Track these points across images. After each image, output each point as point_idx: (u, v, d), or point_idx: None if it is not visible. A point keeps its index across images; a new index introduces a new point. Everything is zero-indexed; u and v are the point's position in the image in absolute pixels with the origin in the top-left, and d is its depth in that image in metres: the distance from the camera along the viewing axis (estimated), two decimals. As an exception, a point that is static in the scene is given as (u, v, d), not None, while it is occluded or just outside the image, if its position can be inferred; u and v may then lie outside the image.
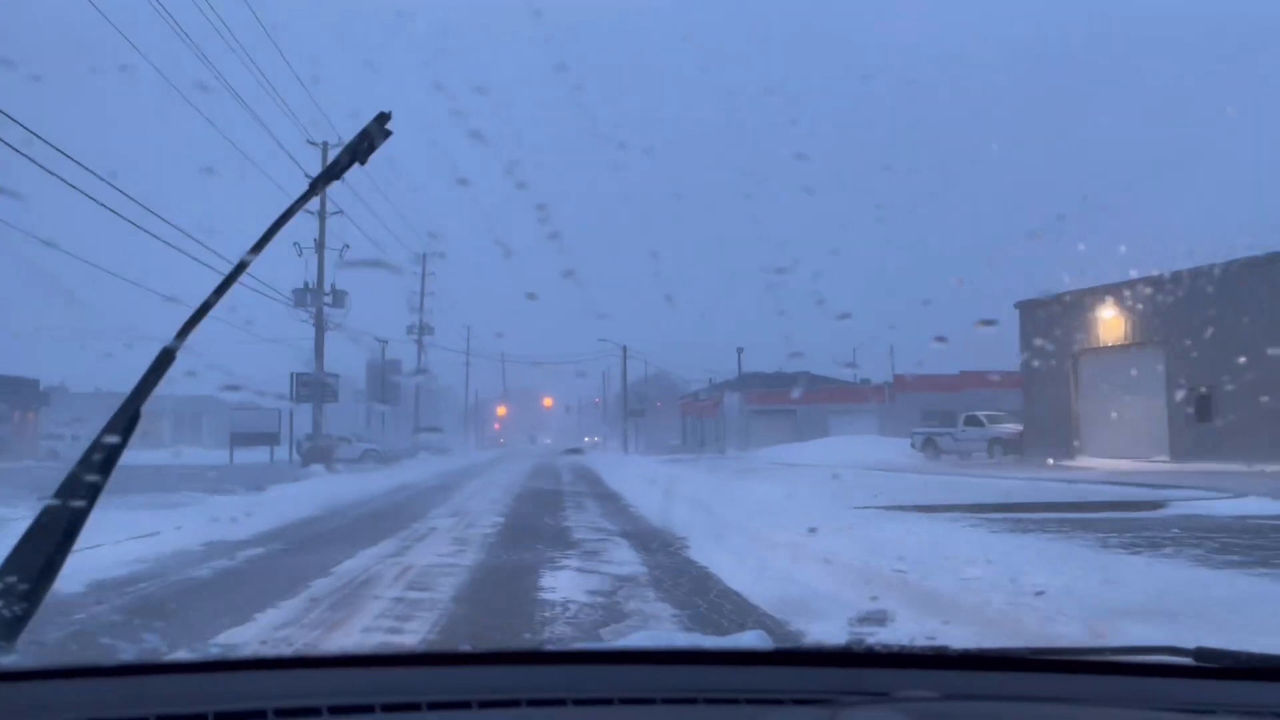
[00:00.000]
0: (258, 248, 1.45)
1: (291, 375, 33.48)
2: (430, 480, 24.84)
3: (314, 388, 34.16)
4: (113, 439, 1.39)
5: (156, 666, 1.49)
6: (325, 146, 32.32)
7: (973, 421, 33.80)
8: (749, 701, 1.39)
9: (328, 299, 39.60)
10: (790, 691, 1.41)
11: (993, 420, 33.71)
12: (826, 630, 5.20)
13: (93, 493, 1.38)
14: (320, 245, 37.05)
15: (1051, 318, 30.71)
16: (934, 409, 48.17)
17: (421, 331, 51.49)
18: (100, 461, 1.37)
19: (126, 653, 2.38)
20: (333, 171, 1.45)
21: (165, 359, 1.43)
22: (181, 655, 1.56)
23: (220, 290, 1.45)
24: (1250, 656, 1.48)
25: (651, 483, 18.84)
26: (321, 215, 37.10)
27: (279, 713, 1.27)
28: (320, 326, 37.69)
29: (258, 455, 37.34)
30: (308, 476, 24.30)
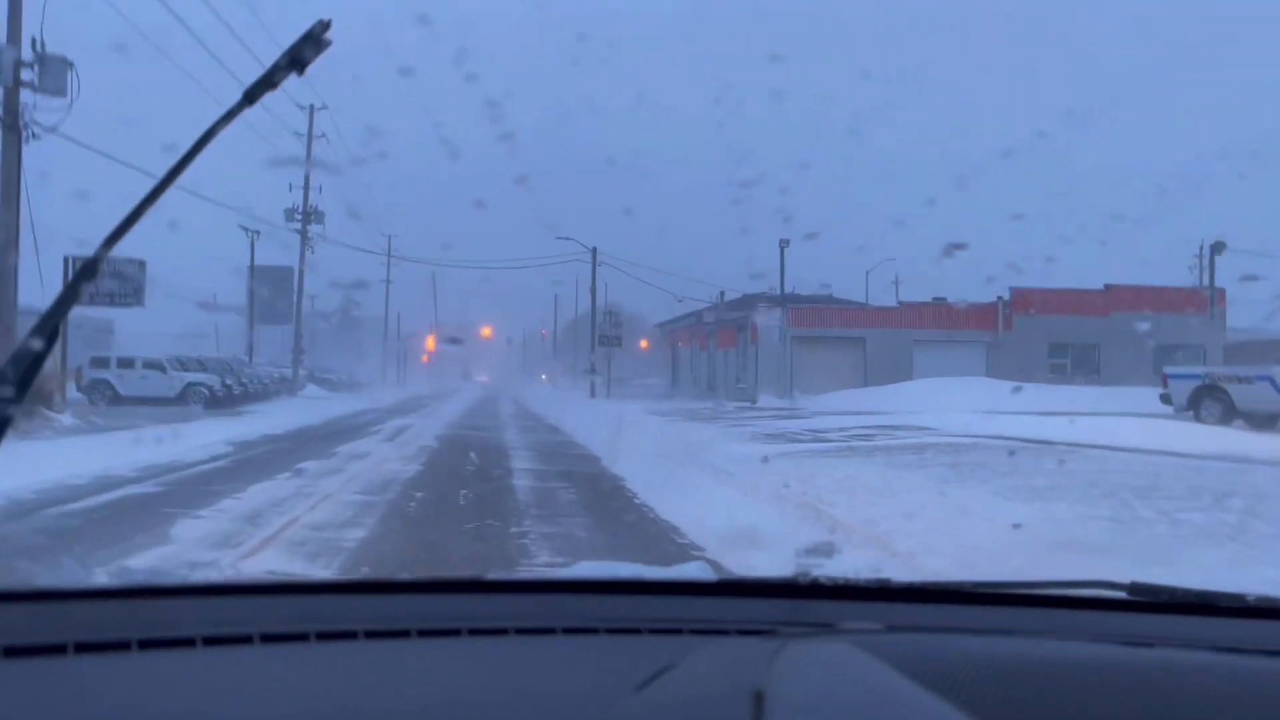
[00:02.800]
0: (188, 158, 1.37)
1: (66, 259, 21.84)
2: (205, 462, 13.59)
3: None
4: (32, 349, 1.35)
5: (76, 593, 1.48)
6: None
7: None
8: (693, 632, 1.43)
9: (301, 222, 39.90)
10: (734, 622, 1.46)
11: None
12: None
13: (9, 404, 1.34)
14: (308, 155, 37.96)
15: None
16: (1067, 338, 37.30)
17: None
18: (17, 375, 1.32)
19: (44, 577, 2.38)
20: (269, 80, 1.37)
21: (88, 270, 1.42)
22: (103, 581, 1.57)
23: (148, 201, 1.39)
24: (1185, 592, 1.59)
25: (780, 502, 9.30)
26: (309, 138, 38.33)
27: (208, 640, 1.27)
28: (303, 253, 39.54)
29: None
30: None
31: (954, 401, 25.51)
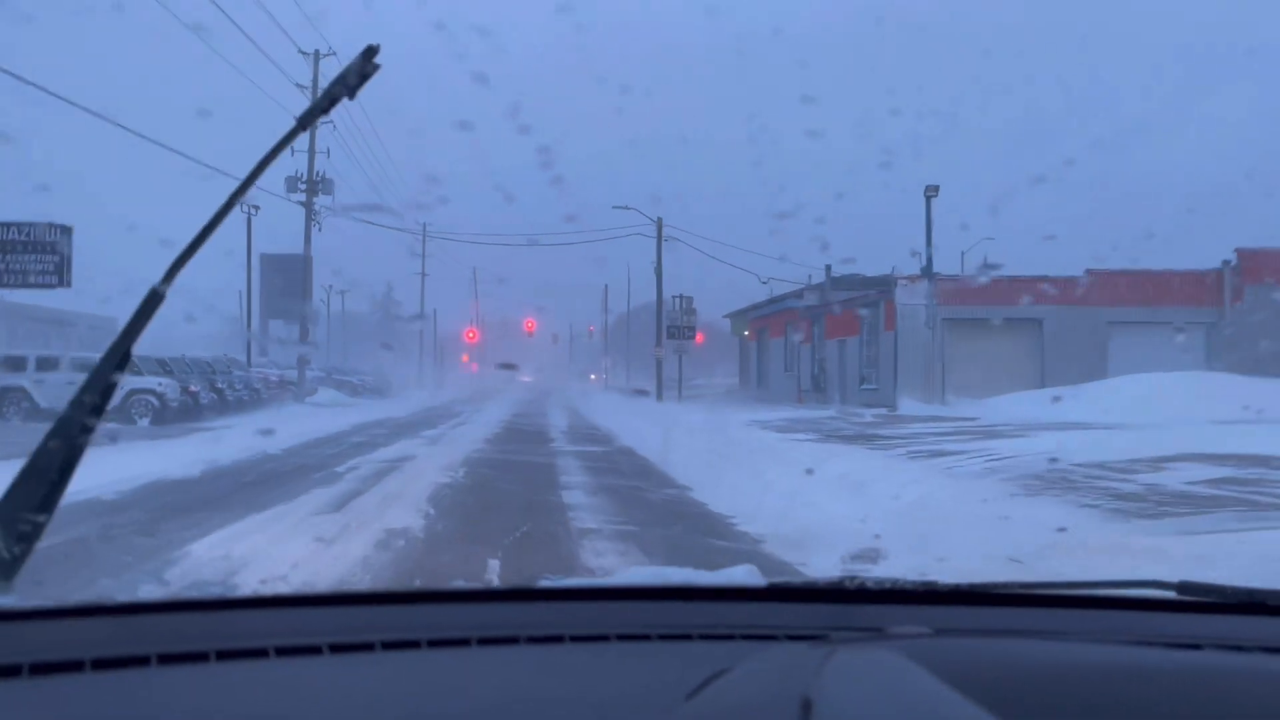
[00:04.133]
0: (246, 185, 1.66)
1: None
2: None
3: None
4: (105, 380, 1.61)
5: (156, 605, 1.67)
6: (317, 55, 34.42)
7: None
8: (744, 638, 1.58)
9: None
10: (784, 628, 1.62)
11: None
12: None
13: (86, 432, 1.61)
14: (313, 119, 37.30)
15: None
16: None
17: (312, 189, 38.46)
18: (94, 402, 1.59)
19: (126, 592, 2.70)
20: (321, 107, 1.67)
21: (154, 299, 1.65)
22: (181, 594, 1.84)
23: (209, 229, 1.65)
24: (1234, 590, 1.72)
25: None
26: (314, 92, 34.49)
27: (280, 651, 1.45)
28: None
29: None
30: None
31: (1190, 407, 20.15)
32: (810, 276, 44.22)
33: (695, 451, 15.09)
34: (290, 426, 21.49)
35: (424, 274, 70.32)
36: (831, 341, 41.00)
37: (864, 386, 36.85)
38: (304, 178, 38.78)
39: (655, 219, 44.02)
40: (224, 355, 36.70)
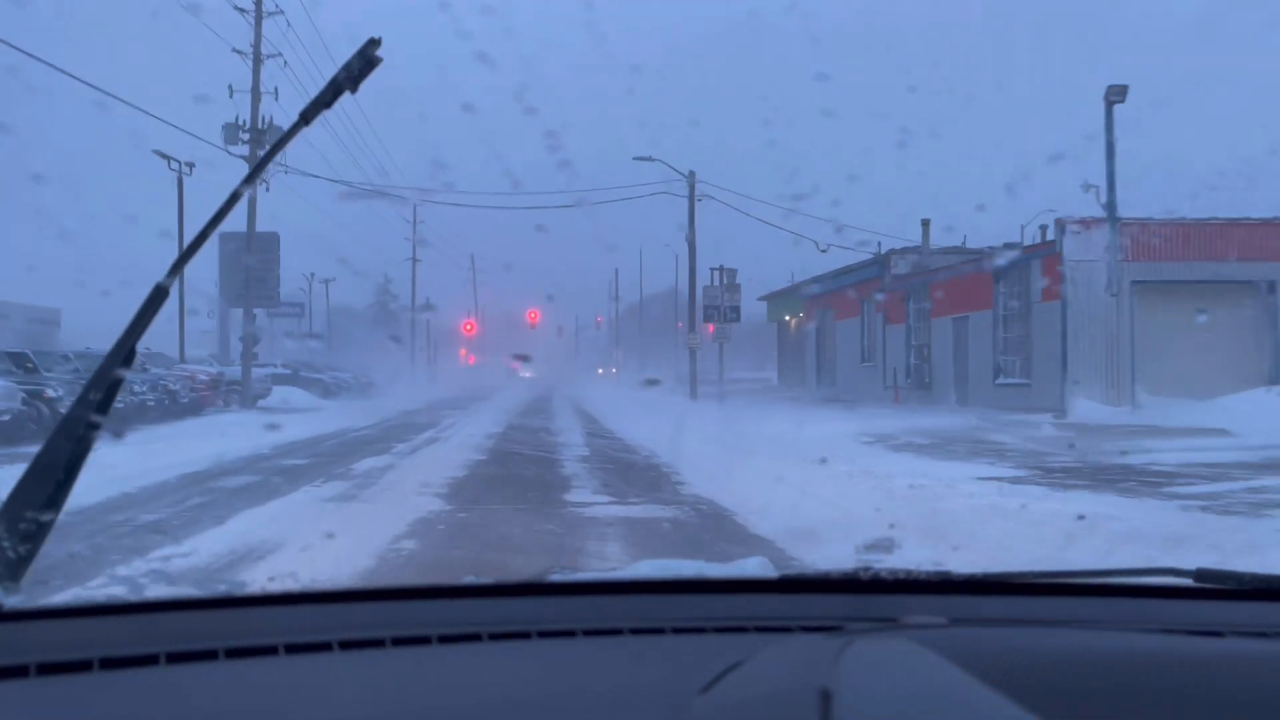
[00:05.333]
0: (250, 180, 1.85)
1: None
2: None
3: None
4: (110, 376, 1.75)
5: (163, 604, 1.78)
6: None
7: None
8: (758, 630, 1.67)
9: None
10: (798, 619, 1.71)
11: None
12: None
13: (92, 430, 1.73)
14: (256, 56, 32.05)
15: None
16: None
17: (257, 137, 32.68)
18: (99, 399, 1.73)
19: (134, 590, 2.84)
20: (323, 100, 1.79)
21: (158, 295, 1.79)
22: (189, 592, 2.01)
23: (212, 224, 1.80)
24: (1252, 577, 1.83)
25: None
26: (258, 17, 32.68)
27: (290, 648, 1.54)
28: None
29: None
30: None
31: None
32: (880, 245, 38.47)
33: (856, 511, 10.24)
34: (161, 452, 16.23)
35: (415, 259, 67.77)
36: (941, 320, 33.23)
37: (1002, 381, 29.40)
38: (246, 125, 33.76)
39: (686, 173, 38.20)
40: (148, 350, 29.22)
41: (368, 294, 71.56)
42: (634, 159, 38.85)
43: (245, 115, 34.06)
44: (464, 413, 31.31)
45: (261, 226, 39.07)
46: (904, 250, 37.38)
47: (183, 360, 36.29)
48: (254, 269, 39.38)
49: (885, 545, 6.06)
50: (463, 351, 79.83)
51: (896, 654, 1.41)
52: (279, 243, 40.74)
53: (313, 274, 75.15)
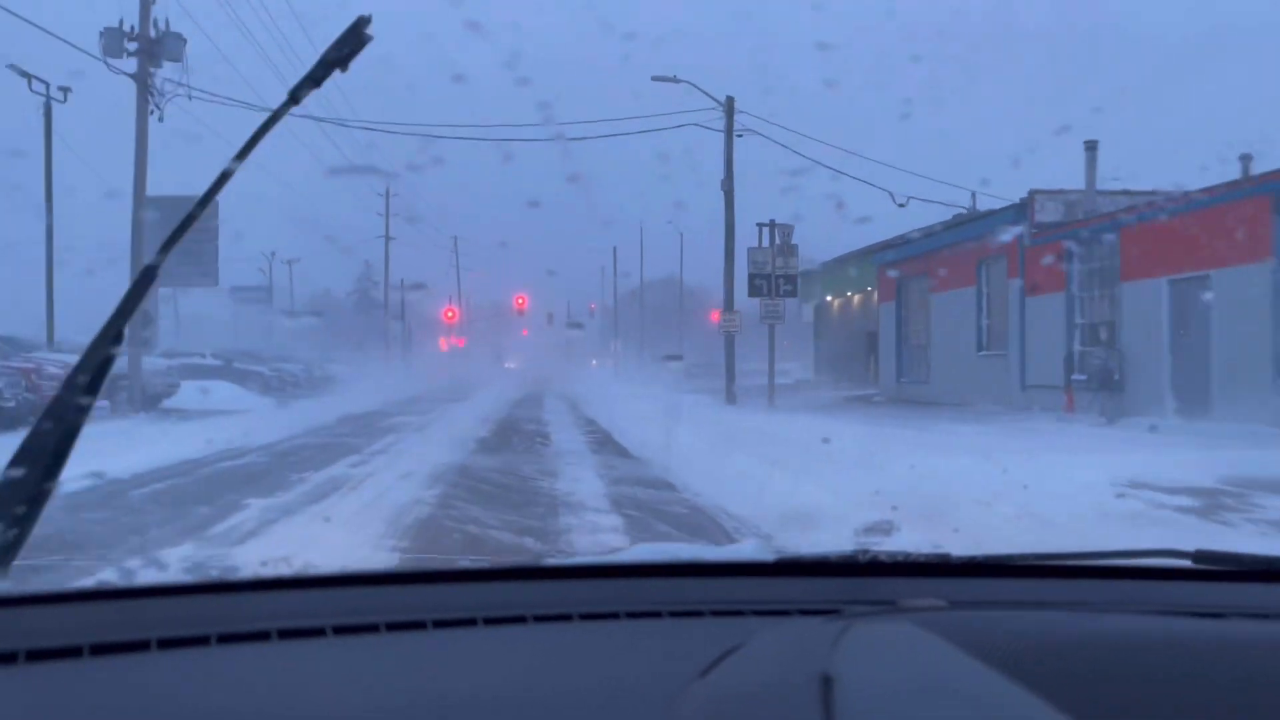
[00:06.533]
0: (241, 156, 1.93)
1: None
2: None
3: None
4: (99, 358, 1.87)
5: (155, 589, 1.88)
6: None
7: None
8: (756, 613, 1.77)
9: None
10: (796, 602, 1.81)
11: None
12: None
13: (81, 413, 1.85)
14: None
15: None
16: None
17: (146, 25, 26.41)
18: (86, 381, 1.85)
19: (122, 575, 3.01)
20: (313, 78, 1.95)
21: (148, 275, 1.94)
22: (180, 578, 2.16)
23: (203, 203, 1.95)
24: (1252, 558, 1.94)
25: None
26: None
27: (283, 633, 1.63)
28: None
29: None
30: None
31: None
32: (974, 199, 33.83)
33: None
34: None
35: (388, 236, 65.60)
36: (1141, 284, 24.03)
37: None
38: (135, 31, 27.39)
39: (724, 99, 32.71)
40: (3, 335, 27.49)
41: (346, 278, 71.34)
42: (653, 79, 32.95)
43: (134, 19, 27.19)
44: (420, 422, 24.92)
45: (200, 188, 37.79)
46: (1051, 193, 28.31)
47: (51, 344, 30.03)
48: (183, 244, 37.35)
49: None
50: (443, 340, 78.12)
51: (897, 637, 1.50)
52: (217, 209, 32.96)
53: (274, 252, 74.30)
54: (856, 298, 46.11)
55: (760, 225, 32.27)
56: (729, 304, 32.80)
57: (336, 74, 1.96)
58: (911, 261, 34.99)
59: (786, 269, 31.47)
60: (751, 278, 31.30)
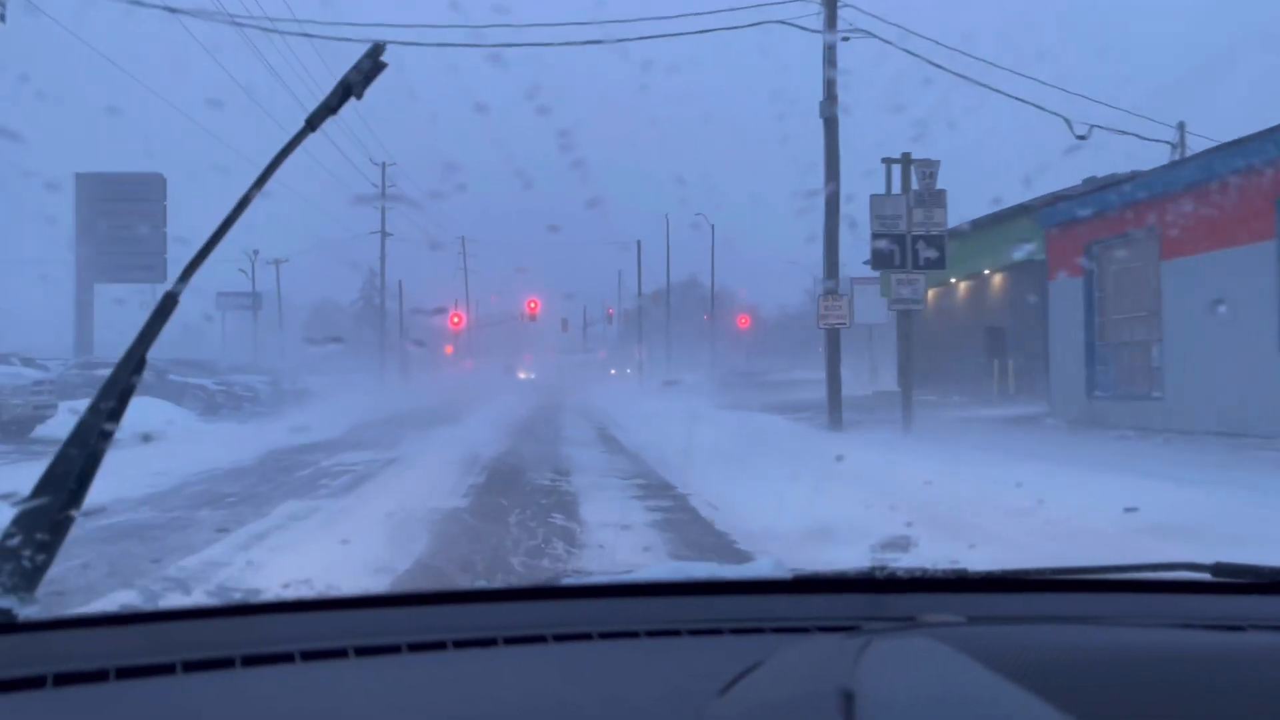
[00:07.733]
0: (259, 184, 2.09)
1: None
2: None
3: None
4: (122, 384, 2.03)
5: (179, 613, 2.00)
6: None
7: None
8: (775, 630, 1.87)
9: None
10: (815, 619, 1.90)
11: None
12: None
13: (105, 439, 2.01)
14: None
15: None
16: None
17: None
18: (111, 408, 2.02)
19: (149, 599, 3.22)
20: (329, 106, 2.13)
21: (169, 302, 2.09)
22: (205, 601, 2.36)
23: (221, 231, 2.11)
24: (1271, 570, 2.02)
25: None
26: None
27: (306, 655, 1.74)
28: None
29: None
30: None
31: None
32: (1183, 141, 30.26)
33: None
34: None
35: (384, 232, 63.84)
36: None
37: None
38: None
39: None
40: None
41: (348, 286, 71.66)
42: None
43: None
44: (368, 469, 18.32)
45: (148, 166, 28.55)
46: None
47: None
48: (120, 226, 30.47)
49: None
50: (448, 348, 76.68)
51: (917, 653, 1.58)
52: (164, 188, 30.47)
53: (256, 251, 71.20)
54: (964, 284, 37.81)
55: (887, 161, 22.78)
56: (831, 274, 23.96)
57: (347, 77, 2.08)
58: (1117, 215, 24.03)
59: (930, 226, 22.42)
60: (875, 240, 22.13)
